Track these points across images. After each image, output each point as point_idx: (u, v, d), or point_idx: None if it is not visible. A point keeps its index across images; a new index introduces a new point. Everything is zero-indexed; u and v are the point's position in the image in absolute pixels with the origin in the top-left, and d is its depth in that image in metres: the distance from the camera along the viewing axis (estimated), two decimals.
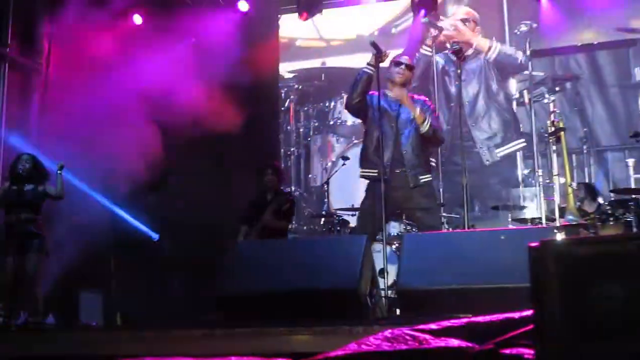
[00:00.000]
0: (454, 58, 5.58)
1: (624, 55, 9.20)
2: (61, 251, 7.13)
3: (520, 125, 8.69)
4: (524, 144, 8.35)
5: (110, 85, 8.23)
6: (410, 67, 5.74)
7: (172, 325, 4.78)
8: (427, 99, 5.95)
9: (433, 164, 6.47)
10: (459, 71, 5.44)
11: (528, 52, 6.80)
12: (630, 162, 7.83)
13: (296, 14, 9.71)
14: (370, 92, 5.70)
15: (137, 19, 9.31)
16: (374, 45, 5.45)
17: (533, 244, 1.73)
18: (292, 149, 9.84)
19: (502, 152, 8.06)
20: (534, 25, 7.14)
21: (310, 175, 9.69)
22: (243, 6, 9.45)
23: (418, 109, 5.46)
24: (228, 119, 8.42)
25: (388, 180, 5.19)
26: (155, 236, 9.06)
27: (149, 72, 8.59)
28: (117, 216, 8.68)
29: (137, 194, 8.51)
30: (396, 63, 5.69)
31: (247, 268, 4.39)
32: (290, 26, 10.44)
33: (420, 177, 5.41)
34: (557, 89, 8.20)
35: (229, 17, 9.49)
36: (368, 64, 5.57)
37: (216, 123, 8.28)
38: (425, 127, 5.38)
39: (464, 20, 8.22)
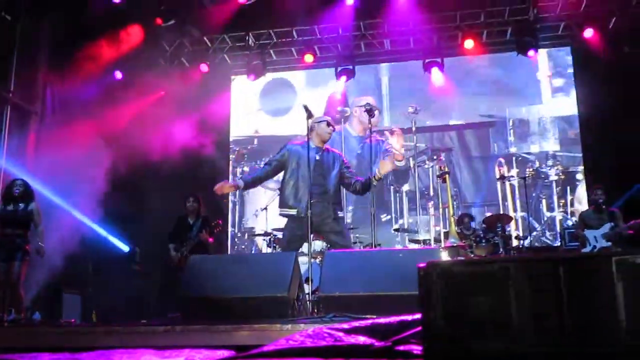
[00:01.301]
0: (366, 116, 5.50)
1: (485, 134, 9.64)
2: (48, 259, 6.91)
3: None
4: None
5: (92, 126, 8.13)
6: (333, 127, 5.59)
7: (139, 322, 4.65)
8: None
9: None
10: (369, 125, 5.44)
11: (414, 128, 7.02)
12: (488, 215, 8.50)
13: (245, 76, 9.73)
14: (297, 143, 5.56)
15: (118, 74, 9.20)
16: (306, 108, 5.32)
17: (421, 264, 1.75)
18: (229, 198, 10.01)
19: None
20: (418, 107, 7.39)
21: (243, 219, 9.85)
22: (204, 68, 9.46)
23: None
24: (187, 161, 8.48)
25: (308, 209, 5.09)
26: (127, 248, 8.93)
27: (125, 117, 8.53)
28: (96, 231, 8.55)
29: (113, 213, 8.42)
30: (329, 124, 5.50)
31: (201, 277, 4.32)
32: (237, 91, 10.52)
33: (338, 212, 5.39)
34: (434, 157, 8.52)
35: (192, 76, 9.48)
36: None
37: (178, 165, 8.32)
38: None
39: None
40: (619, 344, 1.61)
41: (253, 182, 5.63)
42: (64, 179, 7.62)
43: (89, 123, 8.17)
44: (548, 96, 9.67)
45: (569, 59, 9.66)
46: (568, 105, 9.51)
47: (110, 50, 8.72)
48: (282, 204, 5.43)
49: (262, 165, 5.70)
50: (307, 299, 4.99)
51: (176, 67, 9.55)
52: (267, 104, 10.45)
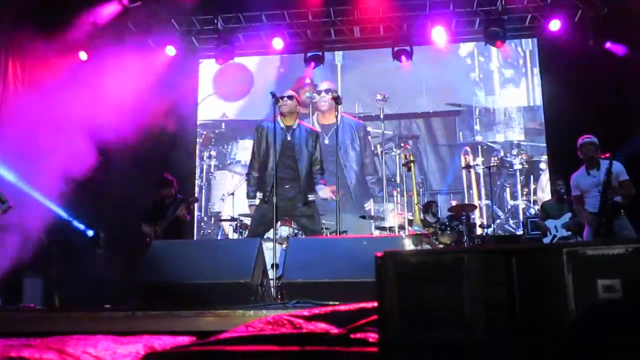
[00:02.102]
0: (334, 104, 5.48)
1: (451, 122, 9.73)
2: (10, 244, 6.78)
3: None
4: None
5: (56, 108, 7.93)
6: (290, 97, 5.40)
7: (101, 307, 4.59)
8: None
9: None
10: (336, 114, 5.43)
11: (382, 116, 7.03)
12: (453, 202, 8.69)
13: (213, 60, 9.62)
14: (269, 121, 5.43)
15: (83, 55, 9.01)
16: (273, 95, 5.24)
17: (378, 253, 1.76)
18: (196, 182, 10.02)
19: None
20: (387, 95, 7.42)
21: (209, 203, 9.83)
22: (170, 51, 9.31)
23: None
24: (153, 144, 8.35)
25: (278, 193, 5.11)
26: (90, 232, 8.81)
27: (90, 98, 8.34)
28: (59, 215, 8.39)
29: (77, 196, 8.26)
30: (290, 97, 5.40)
31: (164, 262, 4.28)
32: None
33: (309, 196, 5.34)
34: (402, 145, 8.61)
35: (159, 58, 9.33)
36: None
37: (143, 148, 8.18)
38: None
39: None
40: (568, 335, 1.64)
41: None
42: (26, 161, 7.43)
43: (52, 104, 7.96)
44: (499, 86, 9.82)
45: (520, 50, 9.84)
46: (523, 95, 9.66)
47: (75, 30, 8.51)
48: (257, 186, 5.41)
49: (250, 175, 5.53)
50: (272, 285, 4.99)
51: (143, 49, 9.37)
52: (221, 88, 10.35)
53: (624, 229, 5.56)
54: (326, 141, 9.06)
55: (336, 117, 5.49)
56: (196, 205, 9.64)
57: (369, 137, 9.71)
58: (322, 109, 9.46)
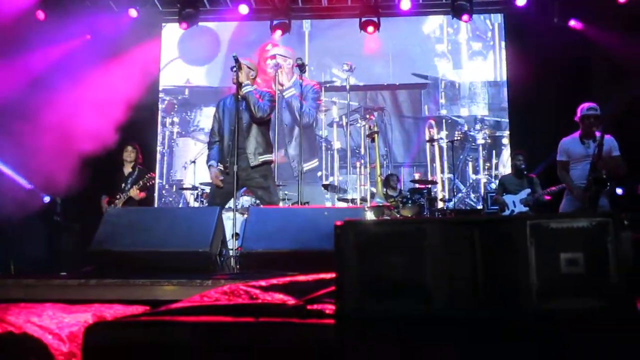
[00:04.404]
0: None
1: (417, 95, 9.70)
2: None
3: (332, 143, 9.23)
4: (317, 163, 9.05)
5: (11, 69, 7.59)
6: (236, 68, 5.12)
7: (56, 275, 4.43)
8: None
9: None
10: (301, 82, 5.30)
11: (348, 87, 6.94)
12: (417, 175, 8.77)
13: (177, 24, 9.33)
14: (228, 95, 5.29)
15: (40, 15, 8.63)
16: (236, 59, 5.06)
17: (338, 222, 1.69)
18: (158, 149, 9.74)
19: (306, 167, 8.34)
20: (353, 65, 7.33)
21: (171, 171, 9.66)
22: (133, 13, 9.00)
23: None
24: (113, 113, 8.05)
25: (238, 163, 4.97)
26: (46, 198, 8.53)
27: (47, 60, 8.02)
28: (16, 180, 8.09)
29: (34, 162, 7.96)
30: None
31: (119, 230, 4.13)
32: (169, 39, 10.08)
33: (260, 157, 5.14)
34: (367, 116, 8.54)
35: (121, 21, 9.01)
36: (245, 85, 5.06)
37: (102, 115, 7.89)
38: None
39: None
40: (530, 308, 1.60)
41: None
42: None
43: (7, 65, 7.61)
44: (467, 59, 9.80)
45: (489, 23, 9.82)
46: (490, 70, 9.68)
47: None
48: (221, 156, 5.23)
49: (211, 144, 5.30)
50: (232, 254, 4.90)
51: (103, 11, 9.03)
52: (187, 52, 10.09)
53: (603, 206, 5.36)
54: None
55: (301, 85, 5.34)
56: (157, 172, 9.43)
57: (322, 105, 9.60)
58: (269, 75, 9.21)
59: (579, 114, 5.62)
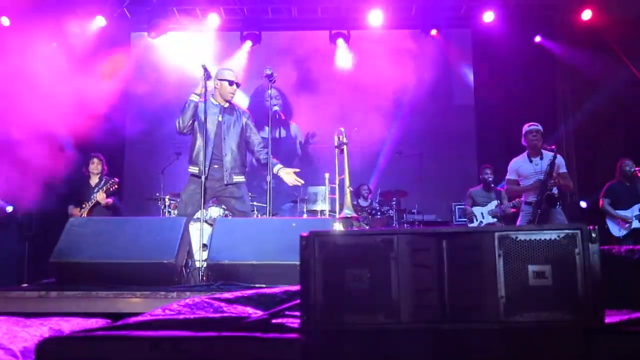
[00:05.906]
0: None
1: None
2: None
3: None
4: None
5: None
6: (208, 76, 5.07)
7: (10, 286, 4.27)
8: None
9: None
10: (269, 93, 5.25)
11: None
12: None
13: (146, 33, 9.22)
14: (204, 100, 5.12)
15: (5, 21, 8.43)
16: (205, 68, 5.00)
17: (304, 234, 1.64)
18: (125, 159, 9.73)
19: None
20: None
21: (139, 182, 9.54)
22: (101, 21, 8.86)
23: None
24: (80, 119, 7.87)
25: (208, 174, 4.93)
26: (9, 208, 8.29)
27: (11, 68, 7.81)
28: None
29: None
30: (231, 83, 5.16)
31: (81, 240, 4.00)
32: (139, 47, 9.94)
33: (234, 177, 5.08)
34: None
35: (88, 28, 8.87)
36: (194, 93, 5.04)
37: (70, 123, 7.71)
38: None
39: None
40: (497, 320, 1.57)
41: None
42: None
43: None
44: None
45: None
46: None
47: None
48: (189, 160, 5.13)
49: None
50: (198, 266, 4.80)
51: (70, 18, 8.86)
52: (156, 61, 9.94)
53: (557, 213, 5.57)
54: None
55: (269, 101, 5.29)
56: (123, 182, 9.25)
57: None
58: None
59: (523, 132, 5.92)
